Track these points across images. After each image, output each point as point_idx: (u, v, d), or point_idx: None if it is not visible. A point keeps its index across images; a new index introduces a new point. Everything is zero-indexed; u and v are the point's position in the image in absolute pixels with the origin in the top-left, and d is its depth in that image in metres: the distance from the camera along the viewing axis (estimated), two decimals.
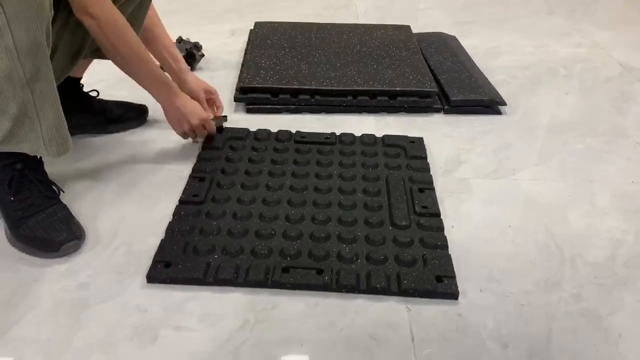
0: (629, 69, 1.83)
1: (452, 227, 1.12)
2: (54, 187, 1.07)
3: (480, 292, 0.97)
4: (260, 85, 1.52)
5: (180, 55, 1.36)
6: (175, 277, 0.95)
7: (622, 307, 0.95)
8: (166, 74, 1.28)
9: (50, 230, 1.00)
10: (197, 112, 1.25)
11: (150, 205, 1.15)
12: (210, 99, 1.40)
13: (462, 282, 0.98)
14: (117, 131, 1.38)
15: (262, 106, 1.51)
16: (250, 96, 1.52)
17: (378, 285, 0.95)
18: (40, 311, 0.91)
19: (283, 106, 1.51)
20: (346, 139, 1.34)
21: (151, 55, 1.20)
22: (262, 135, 1.35)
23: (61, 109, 0.98)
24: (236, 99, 1.53)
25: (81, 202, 1.14)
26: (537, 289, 0.98)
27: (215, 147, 1.30)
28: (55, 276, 0.97)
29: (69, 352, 0.84)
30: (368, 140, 1.34)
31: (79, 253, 1.02)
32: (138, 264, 1.00)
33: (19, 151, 0.98)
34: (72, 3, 1.03)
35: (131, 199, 1.16)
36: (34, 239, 1.00)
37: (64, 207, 1.06)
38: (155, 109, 1.49)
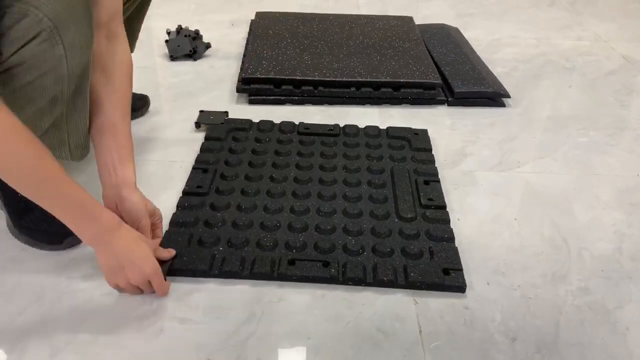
0: (631, 62, 1.83)
1: (458, 219, 1.11)
2: None
3: (487, 285, 0.97)
4: (262, 76, 1.50)
5: (130, 146, 0.98)
6: (181, 268, 0.95)
7: (629, 300, 0.95)
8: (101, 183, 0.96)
9: (54, 223, 0.94)
10: (142, 264, 0.87)
11: (153, 196, 1.12)
12: (152, 224, 0.99)
13: (469, 275, 0.97)
14: None
15: (264, 97, 1.50)
16: (253, 87, 1.50)
17: (385, 278, 0.94)
18: (45, 302, 0.90)
19: (286, 97, 1.50)
20: (350, 131, 1.33)
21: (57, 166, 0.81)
22: (265, 126, 1.34)
23: (88, 115, 0.94)
24: (238, 90, 1.51)
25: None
26: (544, 282, 0.98)
27: (217, 138, 1.29)
28: (60, 267, 0.96)
29: (74, 343, 0.84)
30: (372, 132, 1.33)
31: (83, 244, 1.01)
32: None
33: None
34: None
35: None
36: (37, 231, 0.98)
37: None
38: (156, 99, 1.48)
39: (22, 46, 0.78)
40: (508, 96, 1.54)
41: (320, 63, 1.57)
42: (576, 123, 1.47)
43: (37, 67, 0.81)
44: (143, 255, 0.87)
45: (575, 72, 1.75)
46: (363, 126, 1.36)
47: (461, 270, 0.96)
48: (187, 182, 1.14)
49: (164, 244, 0.98)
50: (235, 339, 0.85)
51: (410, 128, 1.35)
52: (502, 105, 1.54)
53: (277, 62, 1.57)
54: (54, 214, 0.82)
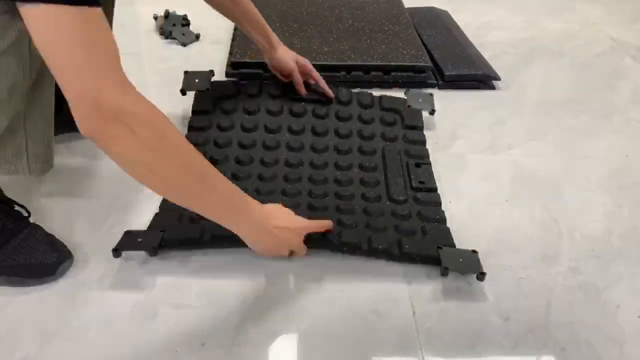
0: (620, 45, 1.83)
1: (450, 202, 1.11)
2: (17, 207, 0.94)
3: None
4: (252, 60, 1.49)
5: (262, 20, 1.22)
6: (171, 239, 0.93)
7: (620, 280, 0.96)
8: None
9: (35, 255, 0.89)
10: (294, 230, 0.90)
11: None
12: (302, 71, 1.29)
13: None
14: None
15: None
16: (242, 71, 1.48)
17: (380, 246, 0.94)
18: (36, 290, 0.89)
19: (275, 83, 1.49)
20: (343, 98, 1.32)
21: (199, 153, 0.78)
22: (254, 90, 1.31)
23: (53, 120, 0.85)
24: (227, 75, 1.50)
25: (69, 182, 1.12)
26: (535, 263, 0.99)
27: (205, 110, 1.26)
28: None
29: (67, 330, 0.83)
30: (365, 101, 1.32)
31: (74, 233, 1.00)
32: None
33: None
34: (79, 110, 0.67)
35: (123, 177, 1.13)
36: (17, 267, 0.88)
37: (37, 226, 0.94)
38: (145, 86, 1.45)
39: None
40: (498, 79, 1.54)
41: (310, 47, 1.56)
42: (566, 106, 1.48)
43: None
44: (289, 220, 0.90)
45: (565, 55, 1.76)
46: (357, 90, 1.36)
47: (454, 247, 0.97)
48: None
49: (153, 222, 1.00)
50: (230, 323, 0.85)
51: (404, 99, 1.34)
52: (493, 88, 1.54)
53: None
54: (207, 213, 0.80)
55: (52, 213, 1.03)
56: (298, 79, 1.29)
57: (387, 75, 1.50)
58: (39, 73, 0.79)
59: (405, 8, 1.85)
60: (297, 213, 0.93)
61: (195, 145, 1.12)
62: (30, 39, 0.72)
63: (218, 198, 0.79)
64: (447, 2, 2.05)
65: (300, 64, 1.28)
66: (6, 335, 0.82)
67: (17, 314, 0.85)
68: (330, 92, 1.30)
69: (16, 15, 0.68)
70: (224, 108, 1.27)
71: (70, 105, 0.67)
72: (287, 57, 1.27)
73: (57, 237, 0.94)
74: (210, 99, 1.29)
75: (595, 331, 0.87)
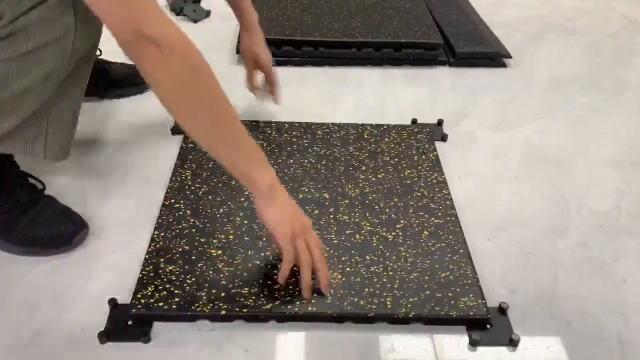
0: (633, 22, 1.81)
1: (459, 178, 1.12)
2: (32, 180, 0.96)
3: (487, 240, 0.98)
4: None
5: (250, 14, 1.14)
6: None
7: (627, 255, 0.97)
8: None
9: (52, 226, 0.91)
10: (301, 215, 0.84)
11: (156, 157, 1.14)
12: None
13: (469, 231, 0.99)
14: (118, 96, 1.30)
15: None
16: None
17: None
18: (54, 259, 0.91)
19: (287, 58, 1.49)
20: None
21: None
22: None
23: (77, 116, 0.87)
24: (238, 51, 1.50)
25: (85, 157, 1.13)
26: (543, 238, 1.00)
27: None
28: None
29: (83, 299, 0.85)
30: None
31: (86, 203, 1.02)
32: (147, 213, 1.00)
33: (10, 152, 0.86)
34: (114, 26, 0.68)
35: (135, 155, 1.15)
36: (35, 238, 0.91)
37: (53, 199, 0.96)
38: None
39: (29, 9, 0.72)
40: (509, 57, 1.53)
41: (320, 23, 1.55)
42: (577, 83, 1.47)
43: (40, 35, 0.74)
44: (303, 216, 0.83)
45: (576, 33, 1.74)
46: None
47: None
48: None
49: None
50: None
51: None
52: (503, 66, 1.54)
53: (277, 22, 1.55)
54: (229, 163, 0.77)
55: (66, 187, 1.05)
56: (252, 76, 1.19)
57: (398, 52, 1.50)
58: (76, 65, 0.81)
59: None
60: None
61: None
62: (75, 35, 0.76)
63: (236, 150, 0.77)
64: None
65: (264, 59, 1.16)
66: (25, 303, 0.85)
67: (36, 283, 0.87)
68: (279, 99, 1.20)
69: (66, 10, 0.72)
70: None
71: (111, 33, 0.68)
72: (260, 45, 1.15)
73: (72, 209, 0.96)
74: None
75: (601, 305, 0.88)
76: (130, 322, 0.81)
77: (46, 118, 0.83)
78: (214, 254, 0.91)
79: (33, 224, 0.91)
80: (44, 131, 0.83)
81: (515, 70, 1.52)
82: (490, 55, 1.52)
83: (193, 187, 1.04)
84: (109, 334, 0.79)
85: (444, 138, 1.22)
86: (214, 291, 0.84)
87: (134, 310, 0.81)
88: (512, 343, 0.81)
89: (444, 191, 1.05)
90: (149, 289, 0.84)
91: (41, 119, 0.82)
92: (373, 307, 0.83)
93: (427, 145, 1.17)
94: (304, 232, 0.81)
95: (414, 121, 1.26)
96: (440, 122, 1.26)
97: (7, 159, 0.92)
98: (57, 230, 0.92)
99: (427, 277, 0.88)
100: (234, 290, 0.85)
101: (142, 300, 0.82)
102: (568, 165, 1.17)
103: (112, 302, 0.83)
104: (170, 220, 0.97)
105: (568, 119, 1.32)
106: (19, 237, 0.90)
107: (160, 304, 0.82)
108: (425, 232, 0.96)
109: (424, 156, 1.14)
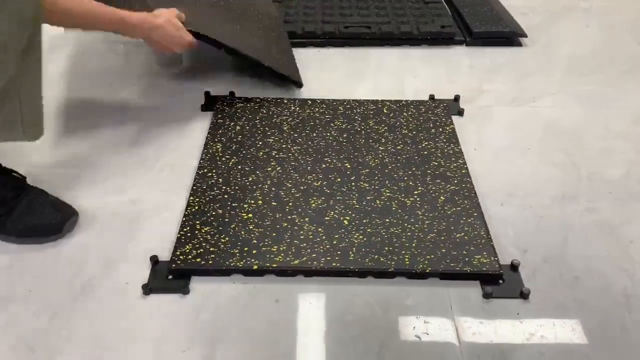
0: None
1: (475, 149, 1.18)
2: (14, 174, 0.98)
3: (501, 205, 1.04)
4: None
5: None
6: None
7: (635, 218, 1.02)
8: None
9: (41, 216, 0.94)
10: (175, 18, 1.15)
11: (188, 131, 1.22)
12: None
13: (484, 198, 1.04)
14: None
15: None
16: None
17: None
18: (98, 221, 0.99)
19: (307, 40, 1.55)
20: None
21: None
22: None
23: (42, 85, 0.86)
24: None
25: (121, 129, 1.22)
26: (554, 203, 1.05)
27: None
28: (107, 193, 1.05)
29: (127, 255, 0.93)
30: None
31: (126, 173, 1.10)
32: (182, 183, 1.07)
33: None
34: None
35: (169, 126, 1.23)
36: (26, 230, 0.94)
37: (38, 191, 0.98)
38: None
39: None
40: (525, 36, 1.57)
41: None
42: (592, 60, 1.51)
43: None
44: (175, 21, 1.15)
45: (592, 12, 1.77)
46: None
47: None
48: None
49: None
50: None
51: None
52: (519, 45, 1.58)
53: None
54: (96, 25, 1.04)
55: (108, 160, 1.13)
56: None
57: (416, 32, 1.55)
58: (29, 39, 0.81)
59: None
60: None
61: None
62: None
63: (101, 21, 1.04)
64: None
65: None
66: (73, 261, 0.93)
67: (83, 243, 0.96)
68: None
69: None
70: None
71: None
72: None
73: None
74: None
75: (608, 262, 0.93)
76: (170, 277, 0.89)
77: (17, 99, 0.83)
78: (245, 217, 0.98)
79: (22, 216, 0.94)
80: (18, 113, 0.84)
81: (530, 49, 1.56)
82: (506, 34, 1.57)
83: (224, 158, 1.11)
84: (151, 287, 0.87)
85: (460, 113, 1.28)
86: (246, 249, 0.92)
87: (174, 265, 0.89)
88: (523, 296, 0.87)
89: (459, 161, 1.11)
90: (187, 247, 0.92)
91: (12, 101, 0.83)
92: (392, 263, 0.90)
93: (444, 119, 1.23)
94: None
95: (432, 97, 1.32)
96: (457, 98, 1.31)
97: None
98: (47, 220, 0.95)
99: (443, 237, 0.94)
100: (264, 248, 0.92)
101: (181, 257, 0.90)
102: (580, 137, 1.22)
103: (154, 259, 0.91)
104: (204, 187, 1.04)
105: (582, 94, 1.37)
106: (13, 229, 0.94)
107: (197, 259, 0.90)
108: (441, 197, 1.03)
109: (441, 129, 1.20)
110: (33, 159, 1.12)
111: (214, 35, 1.22)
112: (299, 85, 1.34)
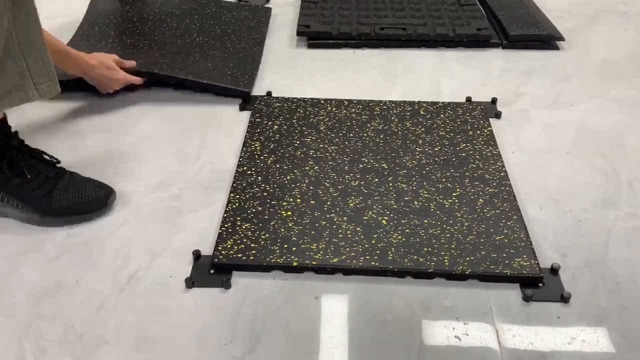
0: None
1: (512, 152, 1.17)
2: (46, 157, 1.01)
3: (540, 209, 1.03)
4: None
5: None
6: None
7: None
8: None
9: (84, 193, 0.98)
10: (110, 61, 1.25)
11: (227, 132, 1.24)
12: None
13: (523, 201, 1.04)
14: None
15: (323, 41, 1.57)
16: (312, 30, 1.57)
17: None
18: (141, 216, 1.02)
19: (343, 41, 1.56)
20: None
21: None
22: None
23: (42, 36, 0.86)
24: (299, 34, 1.58)
25: (163, 128, 1.24)
26: (594, 208, 1.04)
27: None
28: (150, 189, 1.08)
29: (170, 249, 0.96)
30: None
31: (169, 171, 1.12)
32: (222, 180, 1.09)
33: (5, 107, 0.88)
34: None
35: (209, 125, 1.25)
36: (72, 206, 0.98)
37: (72, 173, 1.02)
38: None
39: None
40: (562, 39, 1.56)
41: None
42: (630, 65, 1.49)
43: None
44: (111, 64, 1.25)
45: (631, 15, 1.75)
46: None
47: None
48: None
49: None
50: None
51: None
52: (556, 48, 1.57)
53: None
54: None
55: (150, 156, 1.16)
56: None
57: (452, 34, 1.55)
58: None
59: None
60: None
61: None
62: None
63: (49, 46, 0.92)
64: None
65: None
66: (119, 254, 0.95)
67: (127, 236, 0.98)
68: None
69: None
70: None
71: None
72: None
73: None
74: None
75: None
76: (212, 271, 0.91)
77: (21, 55, 0.83)
78: (284, 215, 0.99)
79: (65, 194, 0.98)
80: (25, 70, 0.85)
81: (568, 53, 1.55)
82: (543, 37, 1.56)
83: (262, 157, 1.13)
84: (194, 280, 0.89)
85: (498, 115, 1.27)
86: (285, 246, 0.93)
87: (216, 260, 0.91)
88: (564, 299, 0.87)
89: (498, 163, 1.11)
90: (229, 242, 0.94)
91: (16, 59, 0.83)
92: (432, 263, 0.90)
93: (481, 122, 1.23)
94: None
95: (469, 99, 1.32)
96: (494, 100, 1.31)
97: (17, 141, 0.97)
98: (91, 196, 0.99)
99: (482, 240, 0.94)
100: (304, 246, 0.93)
101: (223, 252, 0.92)
102: (620, 142, 1.21)
103: (196, 254, 0.93)
104: (244, 185, 1.06)
105: (620, 98, 1.35)
106: (59, 209, 0.97)
107: (239, 255, 0.92)
108: (480, 200, 1.03)
109: (478, 131, 1.20)
110: (74, 153, 1.15)
111: (159, 70, 1.34)
112: (244, 93, 1.33)
